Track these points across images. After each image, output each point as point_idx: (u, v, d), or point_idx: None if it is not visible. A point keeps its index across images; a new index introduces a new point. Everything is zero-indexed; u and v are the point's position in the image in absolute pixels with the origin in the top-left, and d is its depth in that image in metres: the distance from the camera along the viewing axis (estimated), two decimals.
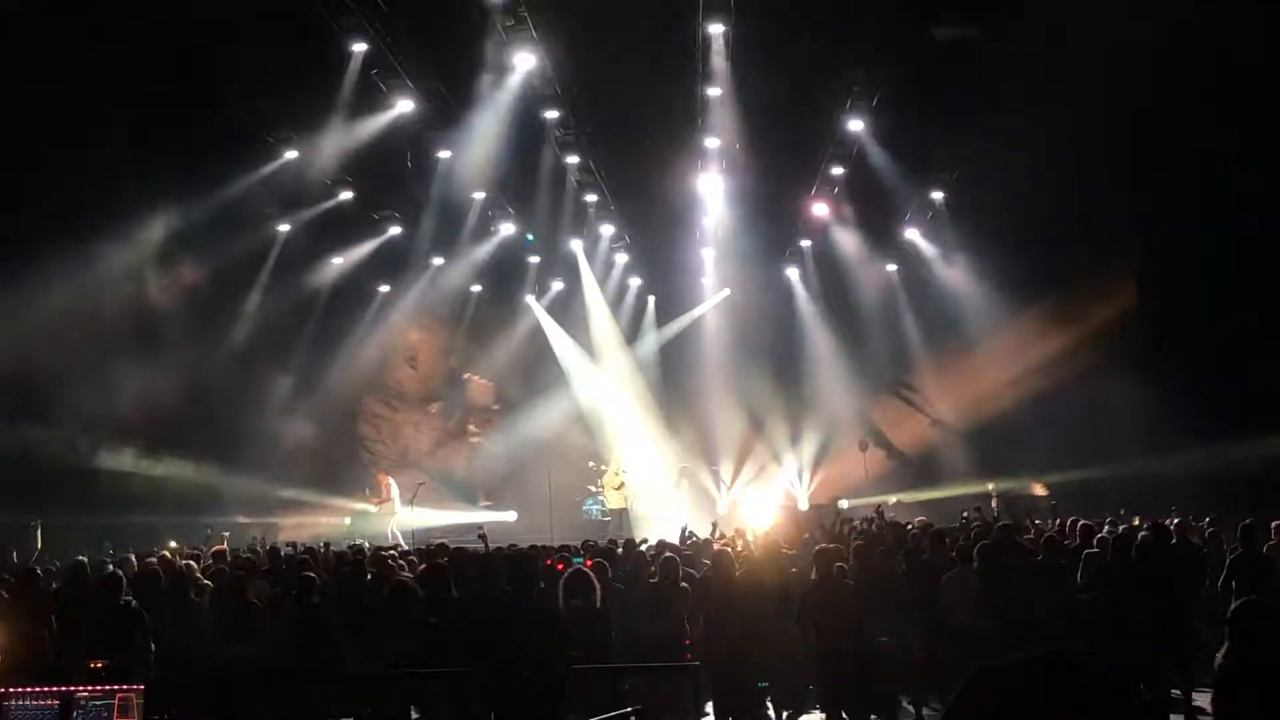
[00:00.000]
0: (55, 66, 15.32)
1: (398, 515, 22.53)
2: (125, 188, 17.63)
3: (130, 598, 9.28)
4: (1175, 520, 13.89)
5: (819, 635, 9.32)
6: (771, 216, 23.82)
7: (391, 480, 23.41)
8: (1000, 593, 9.96)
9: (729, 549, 11.44)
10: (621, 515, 22.74)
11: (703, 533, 14.56)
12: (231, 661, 9.02)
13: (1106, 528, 13.16)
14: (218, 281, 21.34)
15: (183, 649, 9.25)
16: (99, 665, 6.23)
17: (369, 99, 18.15)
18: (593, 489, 25.94)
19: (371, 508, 22.96)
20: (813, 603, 9.35)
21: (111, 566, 11.66)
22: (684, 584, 9.81)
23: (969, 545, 10.89)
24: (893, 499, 22.80)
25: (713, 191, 22.70)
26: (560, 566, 10.17)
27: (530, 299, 27.49)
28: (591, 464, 26.47)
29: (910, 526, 14.39)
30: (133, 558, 12.61)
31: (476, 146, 19.93)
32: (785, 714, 10.18)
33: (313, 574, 9.78)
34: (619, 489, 23.66)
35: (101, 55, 15.42)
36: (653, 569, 10.47)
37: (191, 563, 12.35)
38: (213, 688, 7.16)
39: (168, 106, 17.19)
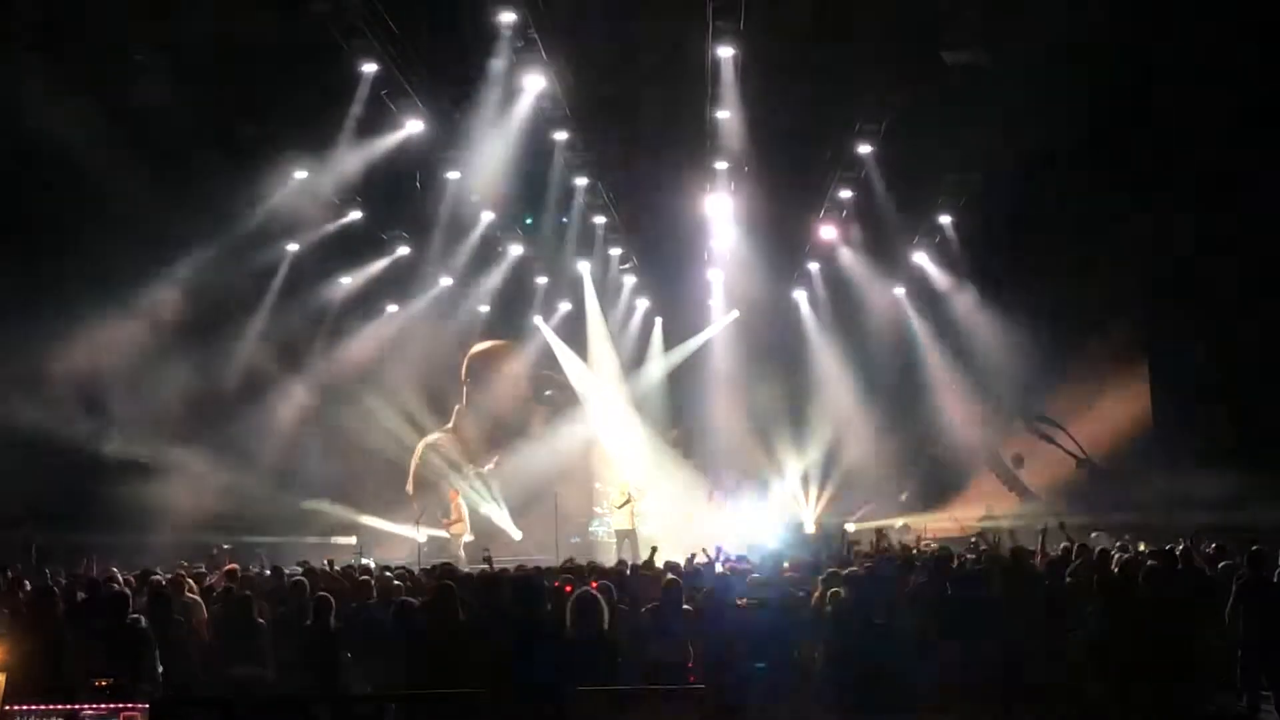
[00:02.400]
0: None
1: (467, 536, 22.74)
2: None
3: (139, 616, 9.31)
4: (1182, 545, 13.82)
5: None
6: (780, 239, 23.88)
7: (463, 499, 23.46)
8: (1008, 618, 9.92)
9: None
10: (629, 537, 22.72)
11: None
12: (236, 681, 9.03)
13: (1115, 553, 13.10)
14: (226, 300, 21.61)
15: (185, 669, 9.29)
16: (103, 683, 6.23)
17: (379, 120, 18.25)
18: (599, 510, 25.90)
19: (444, 532, 23.11)
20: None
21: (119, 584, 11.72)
22: (687, 606, 9.81)
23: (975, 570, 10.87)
24: (898, 523, 22.83)
25: (721, 214, 22.73)
26: (569, 589, 10.16)
27: (538, 320, 27.50)
28: (598, 485, 26.45)
29: (916, 550, 14.36)
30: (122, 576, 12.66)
31: (486, 168, 20.06)
32: None
33: (328, 595, 9.76)
34: (624, 508, 23.65)
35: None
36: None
37: (192, 581, 12.37)
38: (217, 708, 7.16)
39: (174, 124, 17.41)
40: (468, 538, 23.14)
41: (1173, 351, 21.93)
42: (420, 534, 22.77)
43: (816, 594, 10.47)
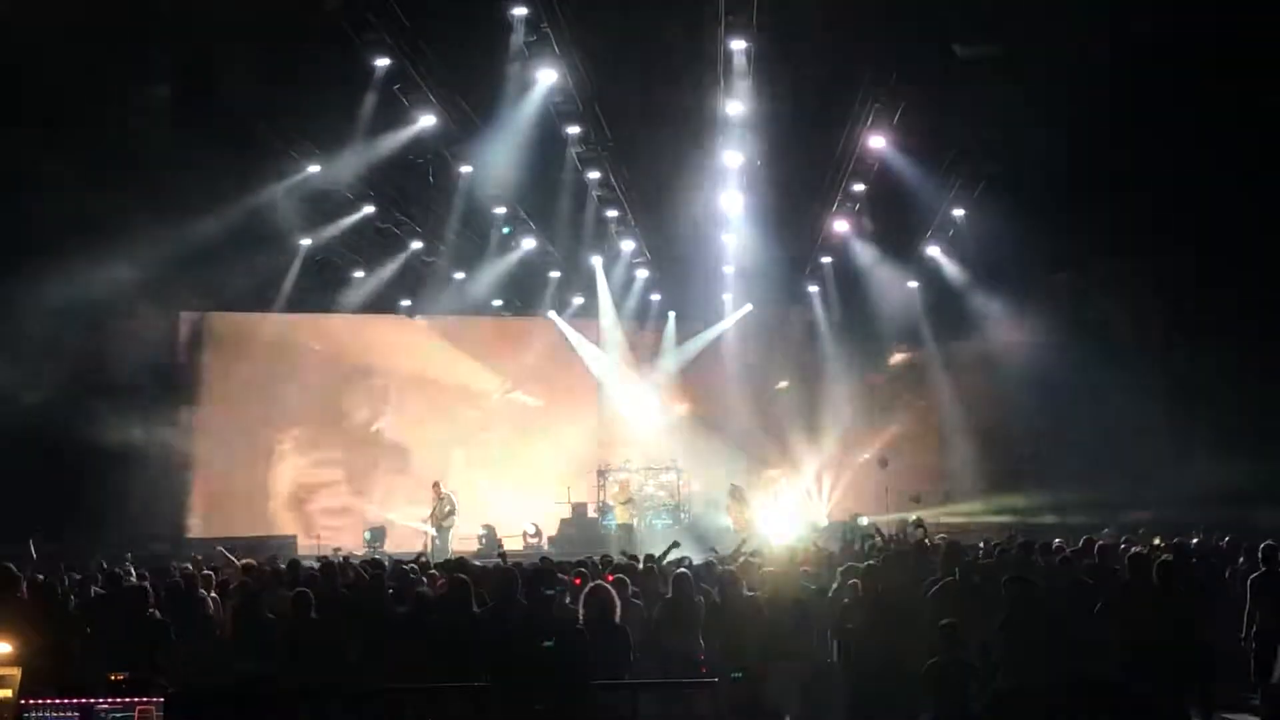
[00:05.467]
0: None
1: (452, 526, 22.74)
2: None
3: (156, 610, 9.37)
4: (1196, 539, 13.79)
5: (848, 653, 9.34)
6: (793, 232, 23.82)
7: (446, 490, 23.45)
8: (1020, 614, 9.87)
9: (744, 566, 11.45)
10: (628, 530, 22.81)
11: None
12: (245, 675, 9.06)
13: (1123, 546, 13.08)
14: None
15: (198, 662, 9.34)
16: (119, 677, 6.26)
17: (391, 114, 18.21)
18: (610, 503, 25.95)
19: (428, 526, 23.07)
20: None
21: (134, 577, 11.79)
22: (699, 599, 9.83)
23: (988, 565, 10.84)
24: (912, 516, 22.75)
25: (734, 207, 22.67)
26: (578, 581, 10.19)
27: (551, 313, 27.53)
28: (609, 479, 26.39)
29: (930, 543, 14.32)
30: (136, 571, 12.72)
31: (498, 161, 19.99)
32: None
33: (306, 589, 9.81)
34: (626, 504, 23.81)
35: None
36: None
37: (209, 573, 12.42)
38: (231, 701, 7.19)
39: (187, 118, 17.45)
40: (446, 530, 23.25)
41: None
42: (431, 528, 22.83)
43: (835, 586, 10.50)
